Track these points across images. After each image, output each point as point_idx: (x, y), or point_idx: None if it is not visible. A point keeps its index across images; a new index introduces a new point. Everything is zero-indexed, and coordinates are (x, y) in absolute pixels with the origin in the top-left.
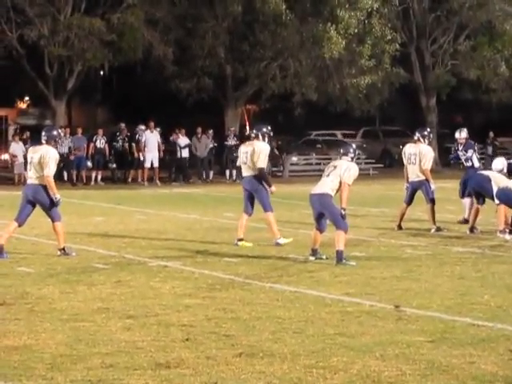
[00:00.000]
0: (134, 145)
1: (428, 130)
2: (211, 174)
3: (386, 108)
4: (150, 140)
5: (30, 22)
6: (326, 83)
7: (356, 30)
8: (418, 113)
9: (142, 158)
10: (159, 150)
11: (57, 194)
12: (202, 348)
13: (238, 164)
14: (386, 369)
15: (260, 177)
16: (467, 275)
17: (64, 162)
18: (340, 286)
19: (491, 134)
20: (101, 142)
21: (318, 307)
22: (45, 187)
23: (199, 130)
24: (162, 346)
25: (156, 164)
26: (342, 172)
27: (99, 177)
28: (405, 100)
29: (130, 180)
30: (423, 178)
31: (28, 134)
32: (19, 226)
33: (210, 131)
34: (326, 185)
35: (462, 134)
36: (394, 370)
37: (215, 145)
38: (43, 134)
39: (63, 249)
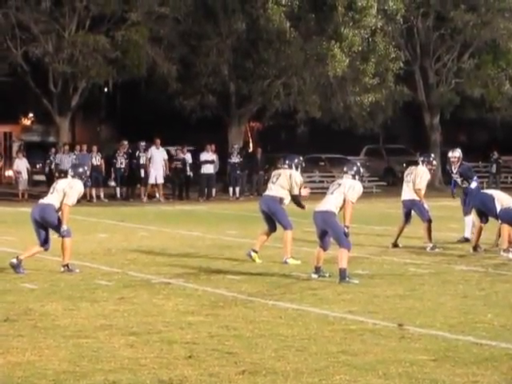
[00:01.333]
0: (134, 161)
1: (432, 155)
2: (213, 191)
3: (389, 126)
4: (156, 157)
5: (34, 38)
6: (329, 101)
7: (360, 48)
8: (421, 131)
9: (142, 175)
10: (166, 168)
11: (65, 225)
12: (205, 365)
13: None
14: None
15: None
16: (470, 294)
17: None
18: (343, 304)
19: (495, 153)
20: (96, 159)
21: (321, 325)
22: (55, 208)
23: (212, 146)
24: (164, 363)
25: (160, 181)
26: (346, 190)
27: (101, 194)
28: (408, 118)
29: (131, 198)
30: (416, 197)
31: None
32: (45, 250)
33: (212, 146)
34: (330, 202)
35: (454, 153)
36: None
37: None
38: (70, 170)
39: (67, 265)
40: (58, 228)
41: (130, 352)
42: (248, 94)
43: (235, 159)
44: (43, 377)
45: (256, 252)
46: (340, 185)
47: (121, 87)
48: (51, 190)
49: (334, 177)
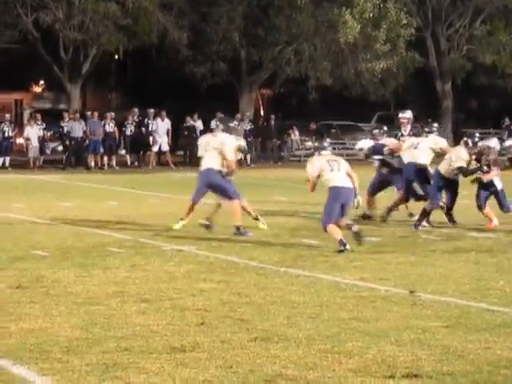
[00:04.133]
0: (143, 129)
1: (435, 125)
2: None
3: (400, 93)
4: (160, 127)
5: (45, 5)
6: (340, 68)
7: (371, 15)
8: (432, 97)
9: (151, 142)
10: (168, 137)
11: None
12: (217, 332)
13: None
14: (402, 354)
15: None
16: (482, 261)
17: (79, 146)
18: (355, 271)
19: (506, 120)
20: (110, 126)
21: (333, 292)
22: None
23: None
24: (176, 329)
25: (164, 148)
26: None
27: (113, 162)
28: (420, 85)
29: (141, 164)
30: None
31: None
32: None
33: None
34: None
35: (404, 114)
36: (409, 355)
37: None
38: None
39: (238, 228)
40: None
41: (142, 319)
42: (259, 61)
43: (246, 126)
44: (55, 344)
45: (257, 219)
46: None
47: (131, 54)
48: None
49: (344, 143)
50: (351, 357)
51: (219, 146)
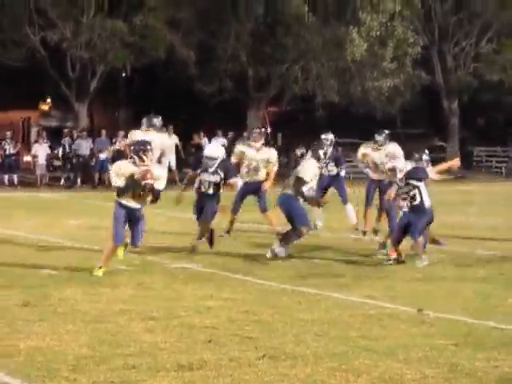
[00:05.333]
0: None
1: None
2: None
3: (407, 110)
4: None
5: (52, 24)
6: (347, 85)
7: (378, 33)
8: (439, 115)
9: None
10: (178, 153)
11: None
12: (225, 350)
13: None
14: (409, 372)
15: None
16: (490, 278)
17: (85, 164)
18: (362, 289)
19: None
20: (121, 144)
21: (341, 310)
22: None
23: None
24: (184, 347)
25: (173, 166)
26: None
27: None
28: (426, 103)
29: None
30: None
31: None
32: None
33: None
34: None
35: (327, 136)
36: (417, 373)
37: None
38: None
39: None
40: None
41: (150, 336)
42: (266, 79)
43: None
44: (63, 362)
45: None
46: None
47: (139, 72)
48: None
49: (351, 161)
50: (359, 375)
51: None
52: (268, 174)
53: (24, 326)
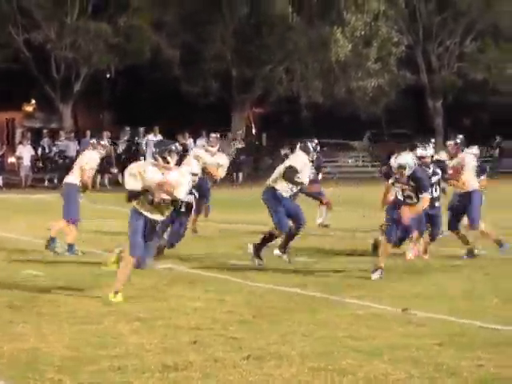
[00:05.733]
0: (133, 148)
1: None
2: None
3: (392, 110)
4: (152, 144)
5: (36, 25)
6: (332, 86)
7: (362, 33)
8: (424, 115)
9: (142, 161)
10: None
11: None
12: (210, 351)
13: None
14: (394, 372)
15: None
16: (476, 278)
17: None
18: (350, 290)
19: (498, 138)
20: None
21: (328, 310)
22: None
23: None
24: (170, 348)
25: None
26: None
27: (106, 180)
28: (411, 102)
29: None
30: None
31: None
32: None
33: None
34: None
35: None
36: (402, 373)
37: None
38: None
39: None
40: None
41: (135, 338)
42: (251, 80)
43: (239, 145)
44: (49, 363)
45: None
46: None
47: (123, 73)
48: None
49: (336, 161)
50: (344, 375)
51: None
52: (216, 170)
53: (8, 327)
